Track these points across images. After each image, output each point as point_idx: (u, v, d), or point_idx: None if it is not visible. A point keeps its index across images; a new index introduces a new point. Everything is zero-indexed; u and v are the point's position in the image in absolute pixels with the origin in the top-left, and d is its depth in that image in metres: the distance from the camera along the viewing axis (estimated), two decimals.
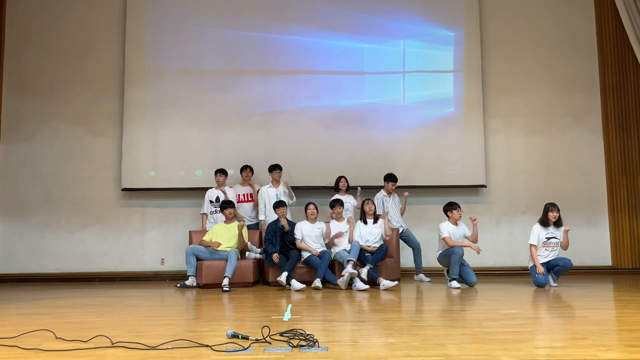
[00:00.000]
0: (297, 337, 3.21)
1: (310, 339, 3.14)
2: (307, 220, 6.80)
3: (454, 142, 8.24)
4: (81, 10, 8.36)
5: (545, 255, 6.32)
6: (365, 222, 6.77)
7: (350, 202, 7.37)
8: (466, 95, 8.31)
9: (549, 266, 6.29)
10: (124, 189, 7.98)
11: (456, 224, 6.59)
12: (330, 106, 8.24)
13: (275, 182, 7.42)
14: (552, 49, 8.56)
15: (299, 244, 6.63)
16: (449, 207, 6.64)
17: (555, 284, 6.27)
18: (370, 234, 6.71)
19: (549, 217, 6.33)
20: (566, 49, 8.57)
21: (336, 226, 6.80)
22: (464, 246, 6.42)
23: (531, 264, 6.33)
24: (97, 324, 3.89)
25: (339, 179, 7.46)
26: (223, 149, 8.10)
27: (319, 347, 3.02)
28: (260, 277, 7.00)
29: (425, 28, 8.41)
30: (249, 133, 8.13)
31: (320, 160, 8.10)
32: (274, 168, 7.43)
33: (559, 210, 6.36)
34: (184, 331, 3.61)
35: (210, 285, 6.44)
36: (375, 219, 6.84)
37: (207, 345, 3.06)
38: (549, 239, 6.34)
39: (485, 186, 8.25)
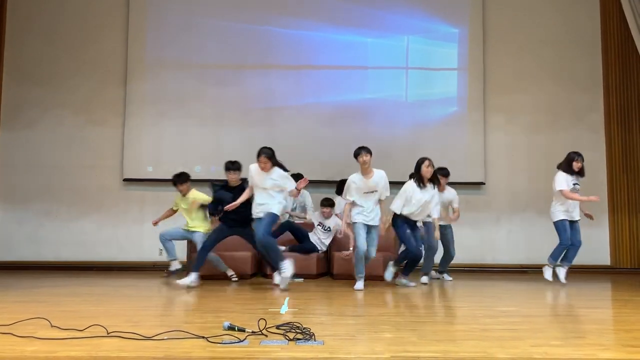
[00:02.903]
0: (293, 330, 3.20)
1: (307, 332, 3.13)
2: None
3: (455, 139, 8.19)
4: None
5: (570, 211, 5.86)
6: (424, 185, 5.75)
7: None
8: (469, 93, 8.26)
9: None
10: (125, 180, 7.98)
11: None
12: (332, 101, 8.19)
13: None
14: (555, 46, 8.50)
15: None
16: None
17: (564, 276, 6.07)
18: (419, 200, 5.71)
19: (573, 166, 5.91)
20: (570, 46, 8.51)
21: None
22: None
23: (558, 221, 5.88)
24: (93, 313, 3.88)
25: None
26: (223, 143, 8.05)
27: (315, 340, 3.01)
28: (259, 270, 6.99)
29: (428, 24, 8.34)
30: (250, 128, 8.08)
31: (321, 155, 8.06)
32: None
33: (583, 159, 5.95)
34: (180, 322, 3.60)
35: (207, 277, 6.42)
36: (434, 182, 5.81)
37: (203, 337, 3.05)
38: (574, 184, 5.99)
39: (484, 183, 8.22)
